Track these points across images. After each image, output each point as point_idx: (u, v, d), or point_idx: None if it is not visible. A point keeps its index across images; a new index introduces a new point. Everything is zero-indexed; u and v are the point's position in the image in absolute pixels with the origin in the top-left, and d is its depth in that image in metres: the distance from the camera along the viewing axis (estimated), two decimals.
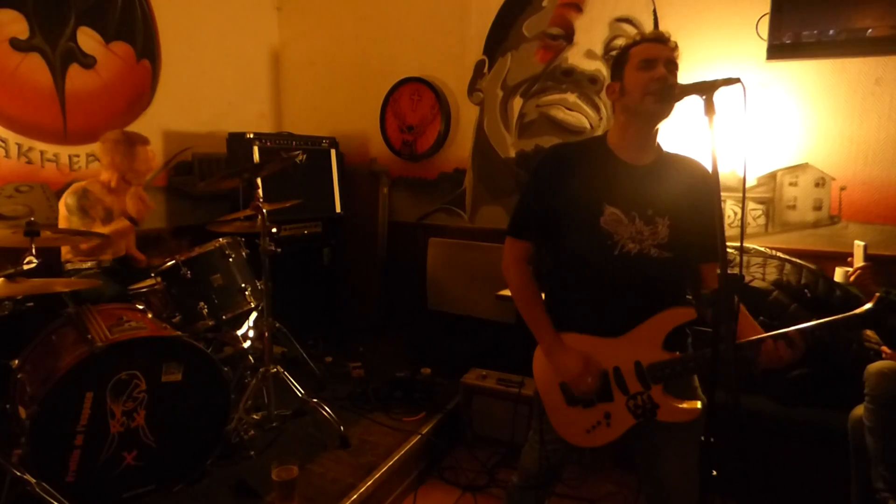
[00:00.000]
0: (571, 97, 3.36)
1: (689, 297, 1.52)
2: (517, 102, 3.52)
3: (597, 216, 1.46)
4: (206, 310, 2.55)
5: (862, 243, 2.13)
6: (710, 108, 1.22)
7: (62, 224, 2.66)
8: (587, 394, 1.51)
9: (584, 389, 1.49)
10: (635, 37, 1.48)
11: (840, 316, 1.35)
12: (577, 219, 1.49)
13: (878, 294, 1.30)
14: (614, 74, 1.50)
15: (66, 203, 2.65)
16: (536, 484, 1.69)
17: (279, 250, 2.56)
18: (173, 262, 2.52)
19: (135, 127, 3.22)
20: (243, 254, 2.78)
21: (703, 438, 1.20)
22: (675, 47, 1.44)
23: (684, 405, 1.45)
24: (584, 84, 3.32)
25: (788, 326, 1.35)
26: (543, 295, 1.61)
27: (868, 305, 1.31)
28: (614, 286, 1.47)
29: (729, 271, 1.14)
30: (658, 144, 1.52)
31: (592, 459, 2.67)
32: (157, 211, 3.36)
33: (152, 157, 2.89)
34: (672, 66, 1.42)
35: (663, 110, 1.41)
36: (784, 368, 2.29)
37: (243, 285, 2.68)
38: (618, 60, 1.49)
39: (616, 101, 1.50)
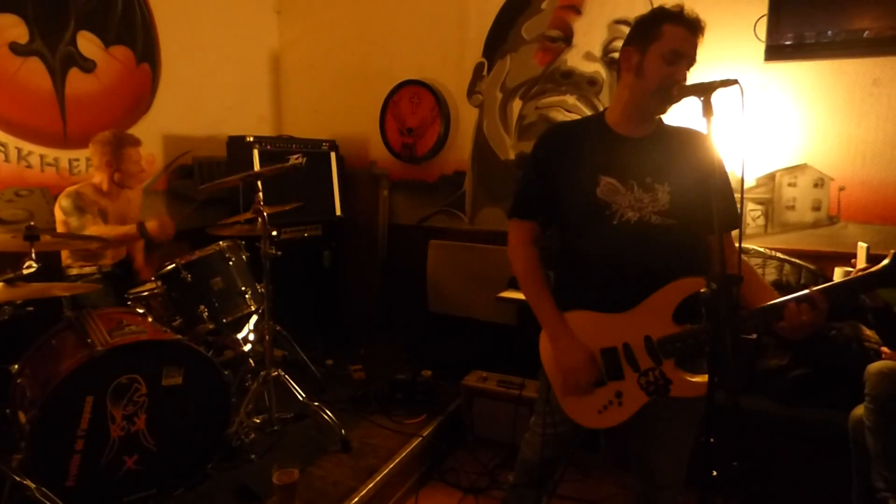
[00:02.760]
0: (571, 99, 3.36)
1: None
2: (516, 104, 3.53)
3: (592, 187, 1.45)
4: (206, 313, 2.54)
5: (865, 245, 2.15)
6: (708, 109, 1.23)
7: (59, 229, 2.66)
8: (581, 389, 1.46)
9: (579, 384, 1.45)
10: (674, 8, 1.37)
11: (857, 275, 1.32)
12: (574, 192, 1.48)
13: (893, 251, 1.28)
14: (637, 40, 1.41)
15: (61, 206, 2.65)
16: (535, 479, 1.66)
17: (279, 253, 2.56)
18: (173, 265, 2.52)
19: (135, 130, 3.21)
20: (244, 257, 2.78)
21: (702, 439, 1.19)
22: (700, 41, 1.41)
23: (697, 379, 1.41)
24: (583, 86, 3.32)
25: None
26: (552, 279, 1.58)
27: (885, 262, 1.29)
28: (617, 258, 1.44)
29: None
30: (658, 118, 1.51)
31: (596, 460, 2.67)
32: (157, 213, 3.35)
33: (151, 162, 2.89)
34: (691, 63, 1.41)
35: (663, 109, 1.45)
36: (785, 368, 2.33)
37: (244, 288, 2.68)
38: (647, 27, 1.40)
39: (626, 72, 1.45)
